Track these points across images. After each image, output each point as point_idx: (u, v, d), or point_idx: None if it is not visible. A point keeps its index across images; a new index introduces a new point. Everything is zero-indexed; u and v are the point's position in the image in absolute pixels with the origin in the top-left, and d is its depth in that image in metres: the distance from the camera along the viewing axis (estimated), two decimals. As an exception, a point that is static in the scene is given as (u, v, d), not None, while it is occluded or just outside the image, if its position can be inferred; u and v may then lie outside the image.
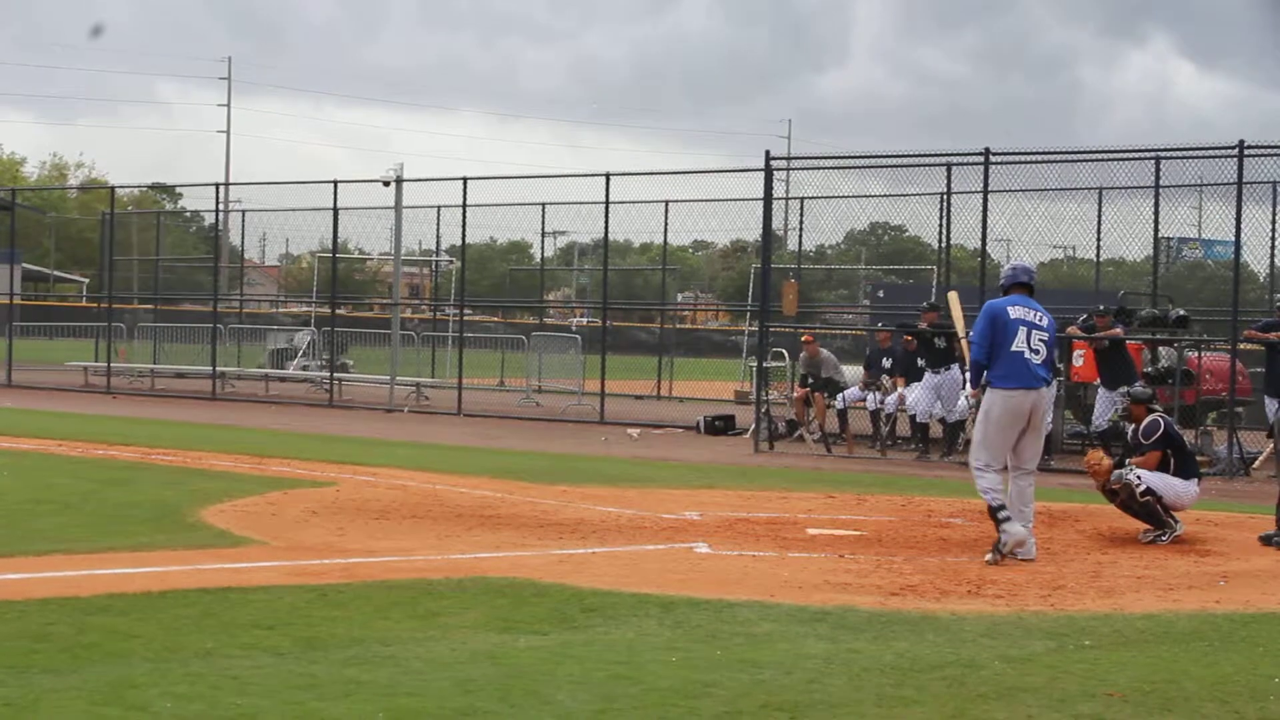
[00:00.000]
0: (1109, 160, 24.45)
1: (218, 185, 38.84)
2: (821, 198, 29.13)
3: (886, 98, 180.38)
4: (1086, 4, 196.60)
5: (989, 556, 12.44)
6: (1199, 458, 16.88)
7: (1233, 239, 21.39)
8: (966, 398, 14.13)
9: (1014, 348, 12.78)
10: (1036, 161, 23.79)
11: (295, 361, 38.49)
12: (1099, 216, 27.52)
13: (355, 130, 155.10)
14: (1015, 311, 12.99)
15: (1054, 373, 13.75)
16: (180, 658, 8.09)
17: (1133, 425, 14.63)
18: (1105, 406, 21.26)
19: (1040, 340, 12.88)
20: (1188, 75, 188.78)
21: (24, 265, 64.06)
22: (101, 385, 35.29)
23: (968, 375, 14.10)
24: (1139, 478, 13.73)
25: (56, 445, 20.57)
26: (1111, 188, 26.64)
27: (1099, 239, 27.77)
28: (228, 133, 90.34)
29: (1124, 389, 17.04)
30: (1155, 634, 9.53)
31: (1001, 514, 12.57)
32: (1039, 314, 13.07)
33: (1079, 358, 22.89)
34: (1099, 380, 21.75)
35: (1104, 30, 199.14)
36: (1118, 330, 21.53)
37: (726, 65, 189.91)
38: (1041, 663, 8.56)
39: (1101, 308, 22.14)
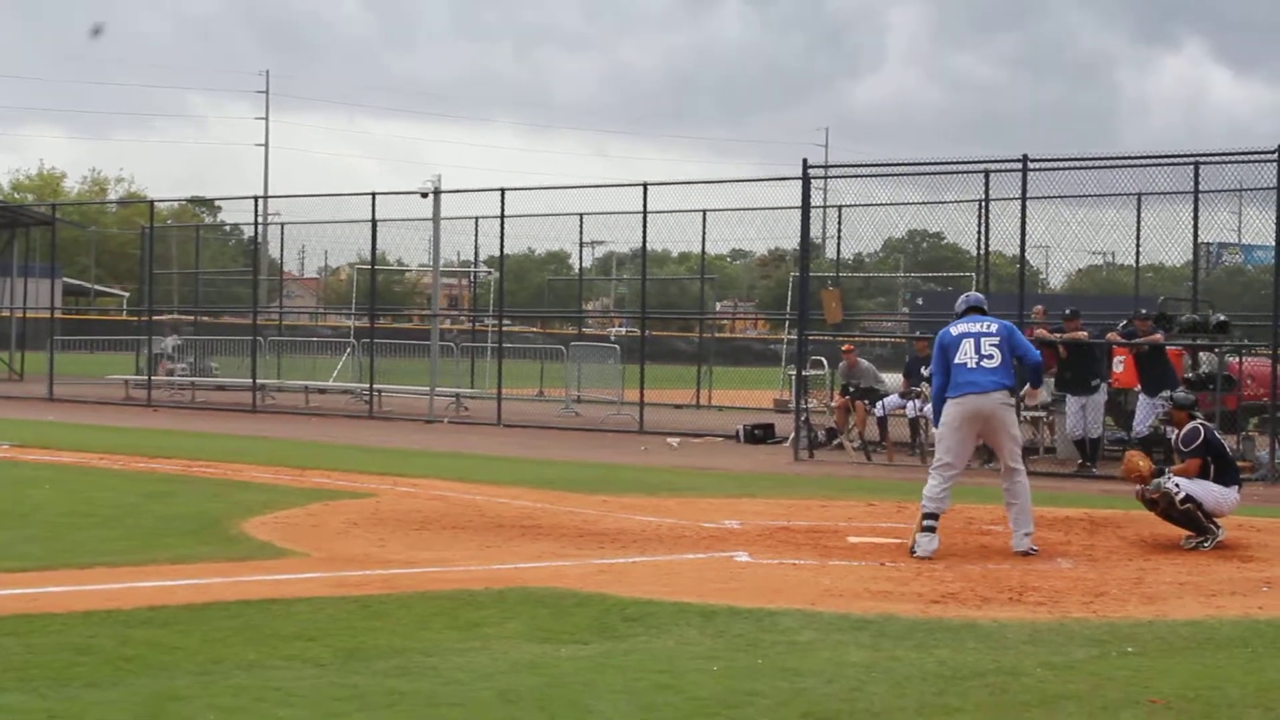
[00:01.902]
0: (1147, 166, 24.36)
1: (256, 198, 38.84)
2: (859, 205, 29.14)
3: (922, 104, 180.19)
4: (1120, 10, 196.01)
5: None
6: (1240, 463, 16.78)
7: (1273, 243, 21.29)
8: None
9: (958, 360, 13.28)
10: (1075, 168, 23.67)
11: (162, 366, 38.54)
12: (1138, 222, 27.43)
13: (389, 142, 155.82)
14: (958, 328, 13.54)
15: (1036, 373, 14.18)
16: (223, 670, 8.12)
17: (1174, 430, 14.58)
18: (1146, 412, 21.20)
19: (992, 345, 13.27)
20: (1224, 81, 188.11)
21: (65, 279, 64.53)
22: (142, 398, 35.37)
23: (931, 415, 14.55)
24: (1177, 485, 13.65)
25: (98, 458, 20.67)
26: (1150, 193, 26.55)
27: (1138, 244, 27.67)
28: (265, 145, 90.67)
29: (1167, 393, 16.98)
30: (1198, 640, 9.49)
31: (926, 523, 12.98)
32: (986, 323, 13.52)
33: (1120, 364, 22.81)
34: (1140, 386, 21.68)
35: (1139, 36, 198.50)
36: (1158, 336, 21.46)
37: (761, 73, 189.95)
38: (1084, 670, 8.53)
39: (1143, 312, 22.06)
